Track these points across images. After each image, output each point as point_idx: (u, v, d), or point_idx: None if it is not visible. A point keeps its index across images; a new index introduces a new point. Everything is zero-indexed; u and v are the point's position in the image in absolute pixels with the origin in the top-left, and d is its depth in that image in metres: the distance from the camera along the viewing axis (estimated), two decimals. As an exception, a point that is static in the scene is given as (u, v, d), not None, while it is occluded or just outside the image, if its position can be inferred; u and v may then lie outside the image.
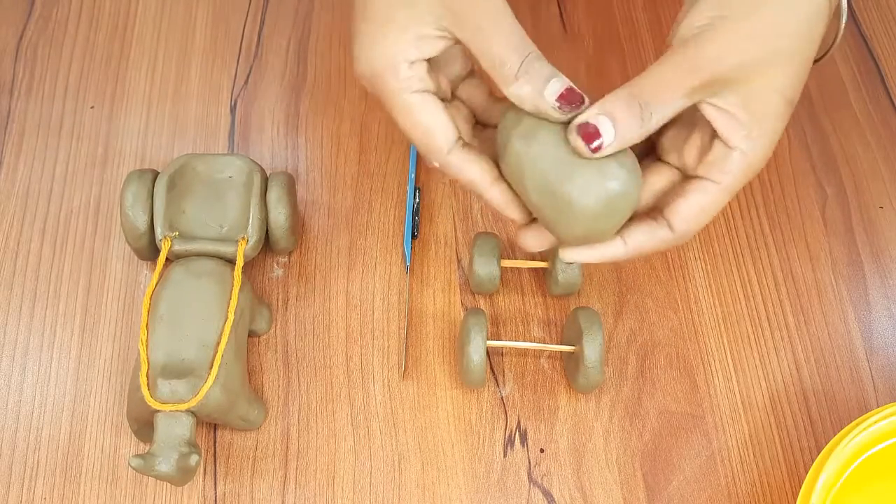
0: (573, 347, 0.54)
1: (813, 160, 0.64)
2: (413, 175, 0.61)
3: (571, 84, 0.41)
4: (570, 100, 0.40)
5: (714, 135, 0.42)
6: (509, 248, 0.60)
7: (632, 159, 0.42)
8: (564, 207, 0.41)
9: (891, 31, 0.70)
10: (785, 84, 0.41)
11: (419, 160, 0.63)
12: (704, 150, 0.43)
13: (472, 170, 0.43)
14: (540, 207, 0.42)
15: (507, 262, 0.58)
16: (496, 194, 0.44)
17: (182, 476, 0.48)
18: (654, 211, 0.44)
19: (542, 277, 0.59)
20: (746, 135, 0.42)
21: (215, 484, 0.52)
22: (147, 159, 0.63)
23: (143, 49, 0.68)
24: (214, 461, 0.53)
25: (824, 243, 0.61)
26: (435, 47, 0.42)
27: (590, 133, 0.40)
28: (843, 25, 0.45)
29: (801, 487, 0.47)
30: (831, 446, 0.48)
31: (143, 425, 0.51)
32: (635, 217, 0.44)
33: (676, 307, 0.58)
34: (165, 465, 0.47)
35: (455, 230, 0.61)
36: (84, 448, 0.53)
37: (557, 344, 0.57)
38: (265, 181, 0.56)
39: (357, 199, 0.62)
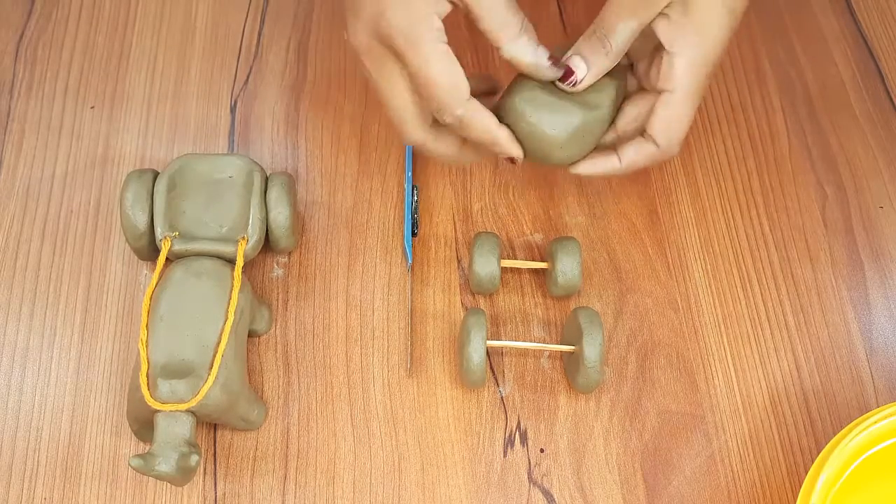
0: (573, 347, 0.54)
1: (813, 160, 0.64)
2: (410, 173, 0.61)
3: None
4: (556, 62, 0.49)
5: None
6: (509, 248, 0.60)
7: (603, 96, 0.51)
8: (544, 140, 0.50)
9: (891, 31, 0.70)
10: None
11: (415, 158, 0.63)
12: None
13: (485, 114, 0.48)
14: (530, 141, 0.50)
15: (507, 262, 0.58)
16: (504, 134, 0.49)
17: (182, 476, 0.48)
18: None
19: (542, 277, 0.59)
20: (686, 41, 0.48)
21: (215, 484, 0.52)
22: (147, 159, 0.63)
23: (143, 49, 0.68)
24: (214, 461, 0.53)
25: (824, 243, 0.61)
26: (447, 7, 0.47)
27: (567, 73, 0.49)
28: None
29: (801, 487, 0.47)
30: (831, 446, 0.48)
31: (143, 425, 0.51)
32: (627, 138, 0.52)
33: (676, 307, 0.58)
34: (165, 465, 0.47)
35: (455, 230, 0.61)
36: (84, 448, 0.53)
37: (557, 344, 0.57)
38: (265, 181, 0.56)
39: (357, 199, 0.62)
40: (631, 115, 0.52)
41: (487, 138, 0.49)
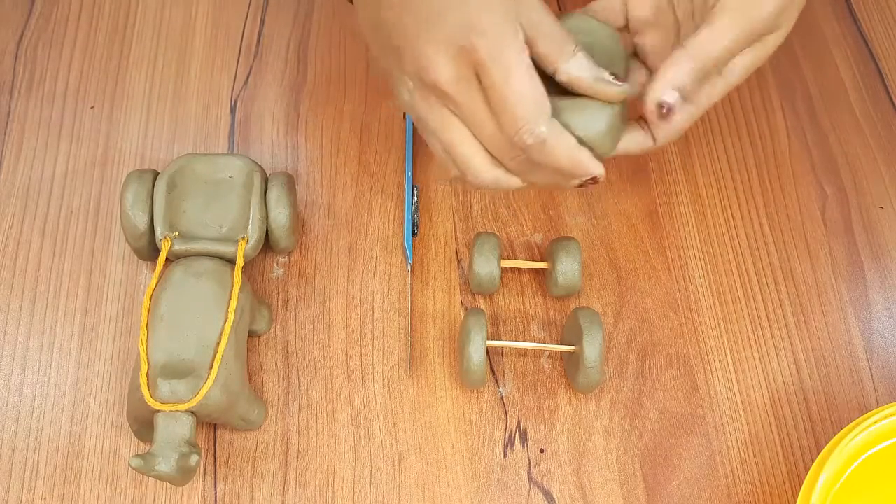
0: (573, 347, 0.54)
1: (813, 160, 0.64)
2: (410, 173, 0.61)
3: None
4: (618, 78, 0.45)
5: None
6: (509, 248, 0.60)
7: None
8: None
9: (891, 32, 0.70)
10: None
11: (415, 158, 0.63)
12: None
13: (567, 133, 0.45)
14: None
15: (507, 262, 0.58)
16: (587, 153, 0.45)
17: (182, 476, 0.48)
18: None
19: (542, 277, 0.59)
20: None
21: (215, 484, 0.52)
22: (147, 159, 0.63)
23: (143, 49, 0.68)
24: (214, 461, 0.53)
25: (824, 243, 0.61)
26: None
27: (665, 112, 0.45)
28: None
29: (801, 487, 0.47)
30: (831, 446, 0.48)
31: (143, 425, 0.51)
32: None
33: (676, 307, 0.58)
34: (165, 465, 0.47)
35: (455, 230, 0.61)
36: (84, 448, 0.53)
37: (557, 344, 0.57)
38: (265, 181, 0.56)
39: (357, 199, 0.62)
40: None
41: (570, 161, 0.45)
